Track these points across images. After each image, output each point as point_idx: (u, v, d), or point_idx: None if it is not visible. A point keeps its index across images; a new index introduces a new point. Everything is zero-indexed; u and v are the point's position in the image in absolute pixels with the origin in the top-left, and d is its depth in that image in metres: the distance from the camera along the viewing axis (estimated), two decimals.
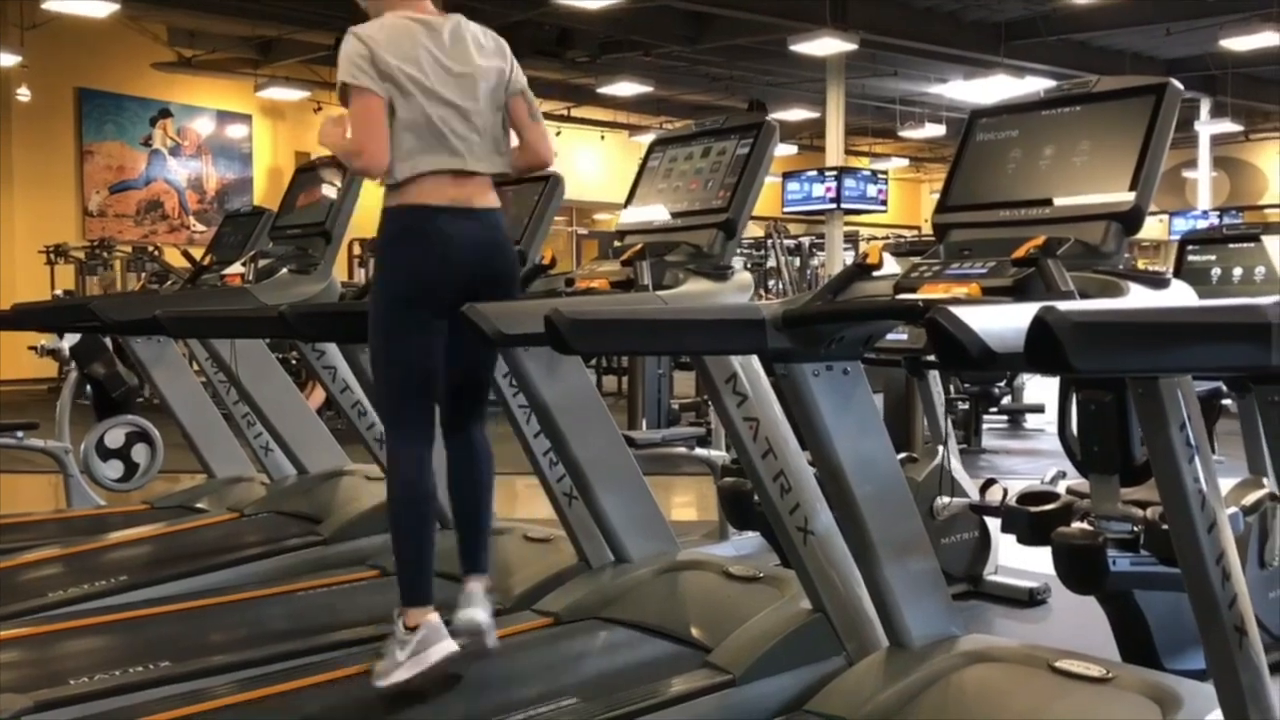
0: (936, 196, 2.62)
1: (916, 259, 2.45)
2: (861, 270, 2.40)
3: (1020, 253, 2.11)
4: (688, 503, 6.85)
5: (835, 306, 2.36)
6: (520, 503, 6.51)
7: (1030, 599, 4.38)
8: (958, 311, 1.56)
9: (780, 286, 14.27)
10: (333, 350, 4.24)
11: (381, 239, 2.84)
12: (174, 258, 12.50)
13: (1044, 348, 1.42)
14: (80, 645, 3.30)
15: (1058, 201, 2.33)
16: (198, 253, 5.79)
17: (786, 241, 15.30)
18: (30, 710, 2.69)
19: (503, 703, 2.76)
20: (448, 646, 2.72)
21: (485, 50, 2.88)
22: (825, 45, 13.59)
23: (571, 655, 3.04)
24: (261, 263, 4.37)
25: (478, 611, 2.84)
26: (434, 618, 2.74)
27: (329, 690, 2.87)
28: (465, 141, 2.79)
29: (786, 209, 16.45)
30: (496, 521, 4.14)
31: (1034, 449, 8.76)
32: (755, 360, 2.91)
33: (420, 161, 2.76)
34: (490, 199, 2.86)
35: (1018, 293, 2.11)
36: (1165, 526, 2.49)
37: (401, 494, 2.80)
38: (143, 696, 2.84)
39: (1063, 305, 1.46)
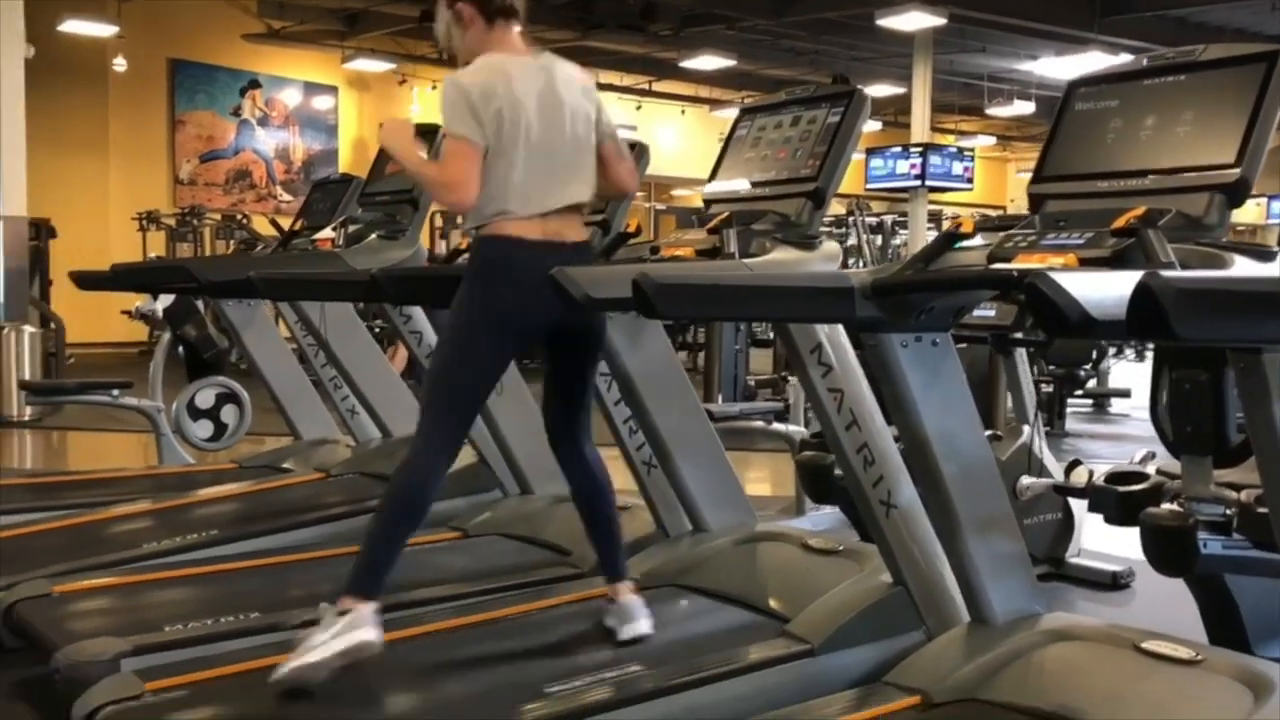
0: (1024, 176, 2.58)
1: (1010, 230, 2.41)
2: (953, 239, 2.36)
3: (1120, 223, 2.07)
4: (762, 479, 6.84)
5: (927, 275, 2.33)
6: None
7: (1113, 583, 4.30)
8: (1058, 277, 1.53)
9: (861, 265, 14.13)
10: (419, 315, 4.30)
11: (473, 264, 2.88)
12: (262, 226, 12.75)
13: (1147, 314, 1.40)
14: (173, 594, 3.41)
15: (1158, 172, 2.27)
16: (285, 222, 5.91)
17: (869, 219, 15.12)
18: (129, 653, 2.78)
19: (583, 664, 2.79)
20: (371, 634, 2.63)
21: (575, 89, 2.91)
22: (913, 20, 13.37)
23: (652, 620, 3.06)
24: (351, 228, 4.44)
25: (639, 625, 2.91)
26: (368, 608, 2.65)
27: (408, 645, 2.92)
28: (555, 179, 2.83)
29: (869, 185, 16.24)
30: None
31: (1119, 434, 8.58)
32: (841, 331, 2.89)
33: (509, 201, 2.80)
34: (580, 232, 2.90)
35: (1116, 264, 2.06)
36: (1262, 509, 2.44)
37: (404, 496, 2.79)
38: (233, 645, 2.93)
39: (1167, 272, 1.43)
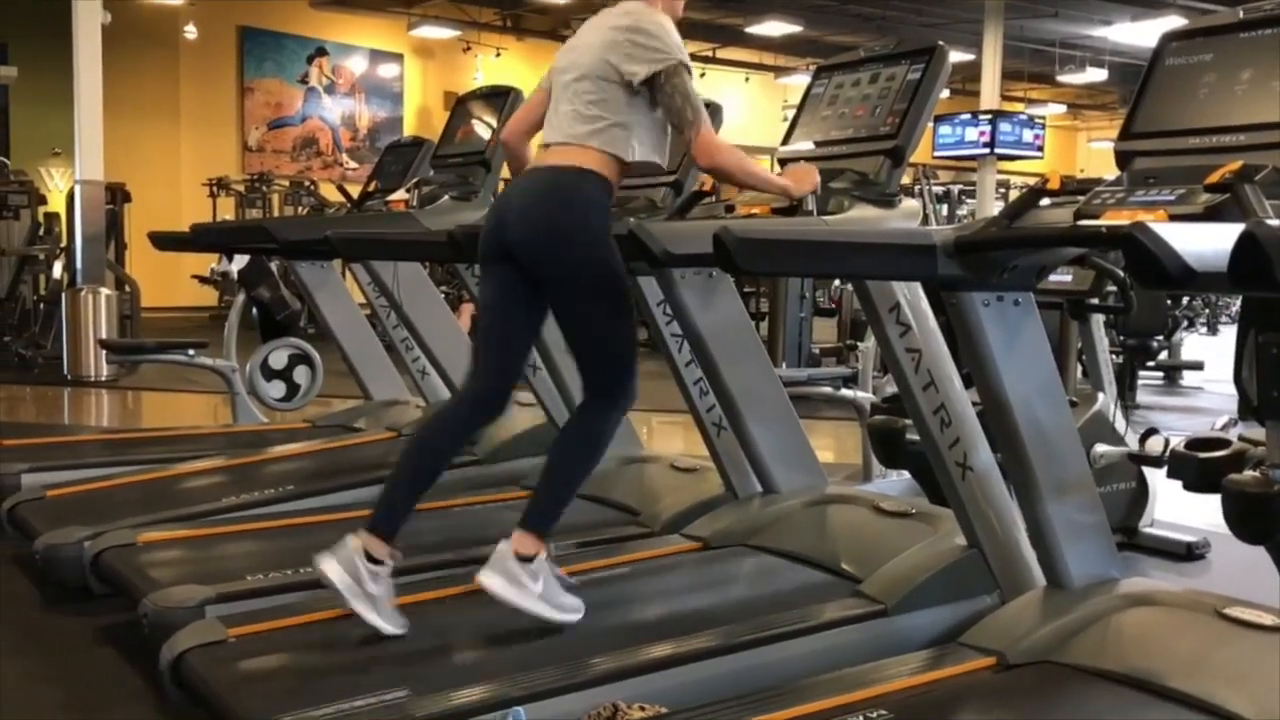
0: (1096, 146, 2.53)
1: (1098, 188, 2.36)
2: (1039, 195, 2.33)
3: (1214, 178, 2.02)
4: (826, 446, 6.80)
5: (1013, 232, 2.29)
6: (655, 438, 6.59)
7: (1188, 553, 4.24)
8: (1157, 228, 1.50)
9: None
10: None
11: None
12: (329, 192, 12.87)
13: (1251, 264, 1.37)
14: (252, 546, 3.49)
15: (1254, 128, 2.22)
16: (352, 189, 5.96)
17: (935, 188, 14.91)
18: (213, 600, 2.86)
19: (654, 620, 2.81)
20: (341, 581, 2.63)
21: (609, 32, 2.77)
22: None
23: (723, 579, 3.08)
24: (424, 189, 4.47)
25: (483, 573, 2.68)
26: (375, 545, 2.67)
27: (479, 599, 2.95)
28: (552, 121, 2.84)
29: (937, 154, 16.03)
30: (641, 451, 4.23)
31: (1191, 406, 8.42)
32: (919, 291, 2.87)
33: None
34: (570, 158, 2.72)
35: (1209, 220, 2.02)
36: None
37: (415, 431, 2.88)
38: (314, 594, 2.98)
39: (1272, 221, 1.40)
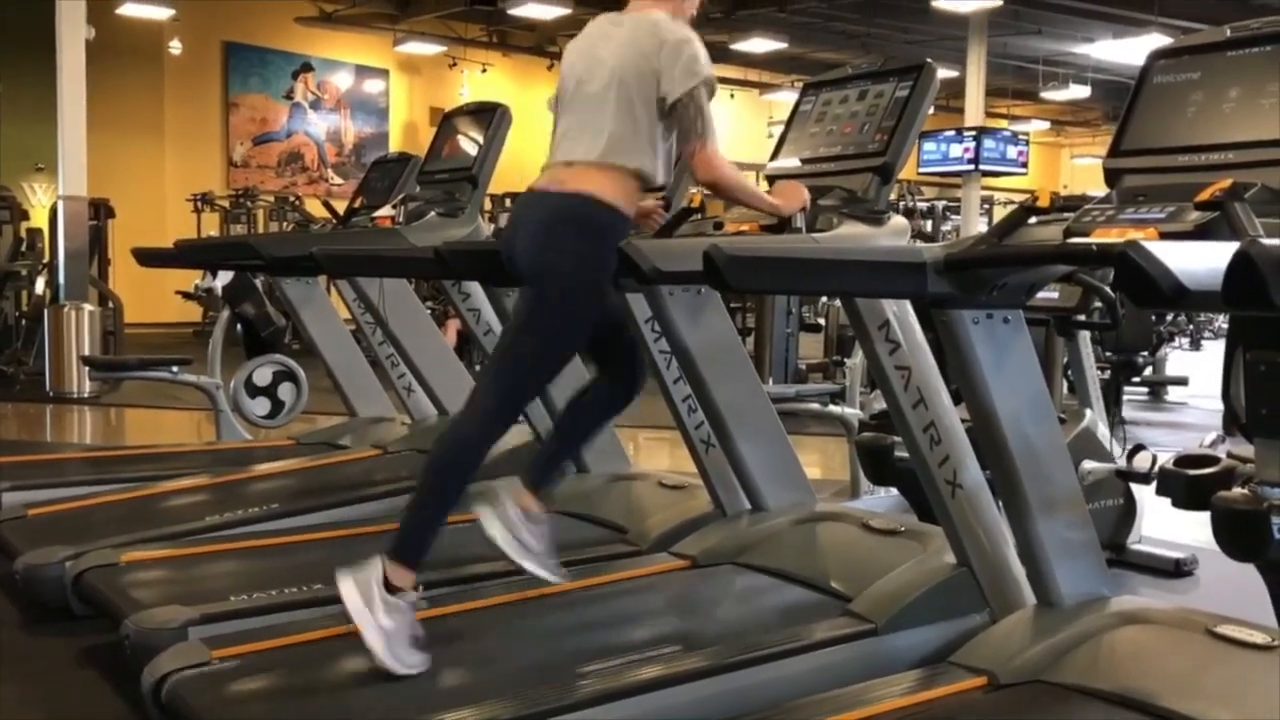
0: (1079, 162, 2.53)
1: (1087, 206, 2.36)
2: (1029, 213, 2.32)
3: (1204, 196, 2.02)
4: (812, 462, 6.79)
5: (1003, 250, 2.29)
6: (643, 454, 6.57)
7: (1176, 570, 4.24)
8: (1150, 246, 1.50)
9: None
10: (478, 293, 4.31)
11: None
12: (314, 208, 12.84)
13: (1245, 283, 1.37)
14: (237, 566, 3.45)
15: (1242, 146, 2.22)
16: (337, 204, 5.94)
17: (920, 204, 14.97)
18: (196, 621, 2.82)
19: (642, 639, 2.79)
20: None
21: (633, 49, 2.72)
22: (968, 1, 13.20)
23: (711, 597, 3.06)
24: (410, 205, 4.46)
25: (342, 574, 2.60)
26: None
27: (467, 619, 2.94)
28: (572, 134, 2.78)
29: (922, 170, 16.09)
30: (629, 468, 4.21)
31: (1176, 421, 8.45)
32: (909, 308, 2.86)
33: (552, 153, 2.84)
34: (583, 183, 2.68)
35: (1199, 238, 2.02)
36: None
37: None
38: (297, 615, 2.95)
39: (1266, 240, 1.39)
